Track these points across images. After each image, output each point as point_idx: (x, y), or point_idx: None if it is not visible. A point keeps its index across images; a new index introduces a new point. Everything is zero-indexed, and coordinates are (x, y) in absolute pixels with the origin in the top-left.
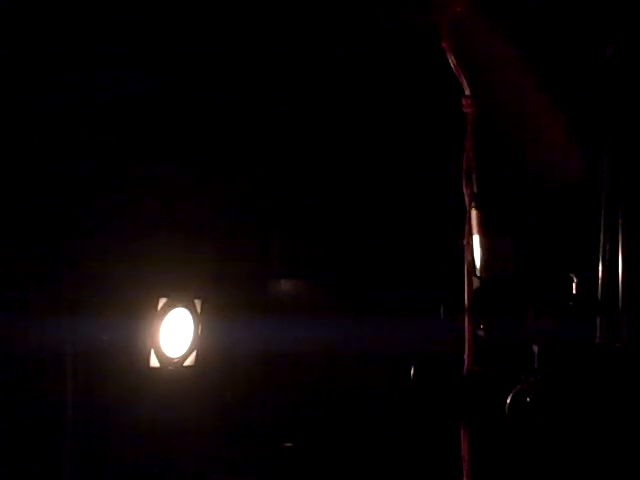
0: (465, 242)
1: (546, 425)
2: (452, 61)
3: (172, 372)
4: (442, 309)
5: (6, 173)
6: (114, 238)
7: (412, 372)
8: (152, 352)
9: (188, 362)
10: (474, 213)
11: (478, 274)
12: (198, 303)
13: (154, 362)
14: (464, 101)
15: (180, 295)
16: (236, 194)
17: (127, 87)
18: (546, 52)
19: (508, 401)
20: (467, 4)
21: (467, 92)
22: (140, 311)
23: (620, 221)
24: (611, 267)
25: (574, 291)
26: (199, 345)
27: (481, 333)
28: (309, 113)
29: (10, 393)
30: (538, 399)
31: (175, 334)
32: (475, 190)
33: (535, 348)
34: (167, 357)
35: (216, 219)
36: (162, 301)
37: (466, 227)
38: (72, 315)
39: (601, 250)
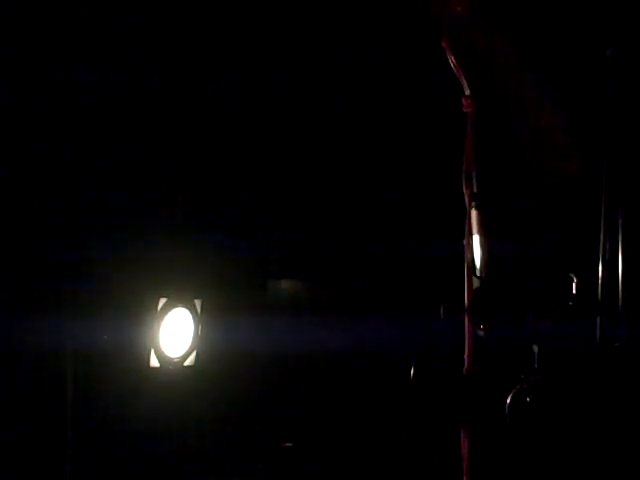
0: (465, 242)
1: (546, 425)
2: (452, 61)
3: (172, 372)
4: (442, 309)
5: (6, 174)
6: (114, 238)
7: (412, 372)
8: (152, 352)
9: (188, 362)
10: (474, 213)
11: (478, 274)
12: (198, 303)
13: (154, 362)
14: (464, 101)
15: (180, 295)
16: (237, 194)
17: (128, 89)
18: (546, 52)
19: (508, 401)
20: (467, 4)
21: (467, 92)
22: (140, 311)
23: (620, 221)
24: (611, 267)
25: (574, 291)
26: (199, 345)
27: (481, 333)
28: (309, 114)
29: (10, 393)
30: (538, 399)
31: (175, 334)
32: (475, 190)
33: (535, 348)
34: (167, 357)
35: (216, 219)
36: (162, 301)
37: (466, 227)
38: (72, 315)
39: (601, 250)
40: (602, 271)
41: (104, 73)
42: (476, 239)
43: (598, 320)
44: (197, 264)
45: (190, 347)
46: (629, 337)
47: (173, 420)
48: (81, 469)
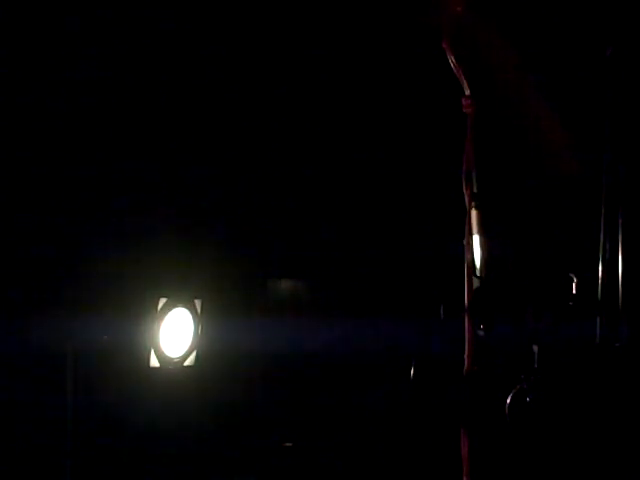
0: (465, 242)
1: (546, 425)
2: (452, 61)
3: (172, 372)
4: (442, 309)
5: (7, 174)
6: (114, 238)
7: (412, 372)
8: (152, 352)
9: (188, 362)
10: (474, 213)
11: (478, 274)
12: (198, 303)
13: (154, 362)
14: (464, 101)
15: (180, 295)
16: (236, 195)
17: (131, 90)
18: (546, 52)
19: (508, 401)
20: (467, 4)
21: (467, 92)
22: (140, 311)
23: (620, 221)
24: (611, 267)
25: (574, 291)
26: (199, 345)
27: (481, 333)
28: (309, 115)
29: (10, 393)
30: (538, 399)
31: (175, 334)
32: (475, 190)
33: (535, 348)
34: (167, 357)
35: (216, 219)
36: (162, 301)
37: (466, 227)
38: (72, 315)
39: (601, 250)
40: (602, 271)
41: (102, 73)
42: (476, 239)
43: (598, 320)
44: (197, 264)
45: (190, 347)
46: (629, 337)
47: (173, 420)
48: (81, 469)
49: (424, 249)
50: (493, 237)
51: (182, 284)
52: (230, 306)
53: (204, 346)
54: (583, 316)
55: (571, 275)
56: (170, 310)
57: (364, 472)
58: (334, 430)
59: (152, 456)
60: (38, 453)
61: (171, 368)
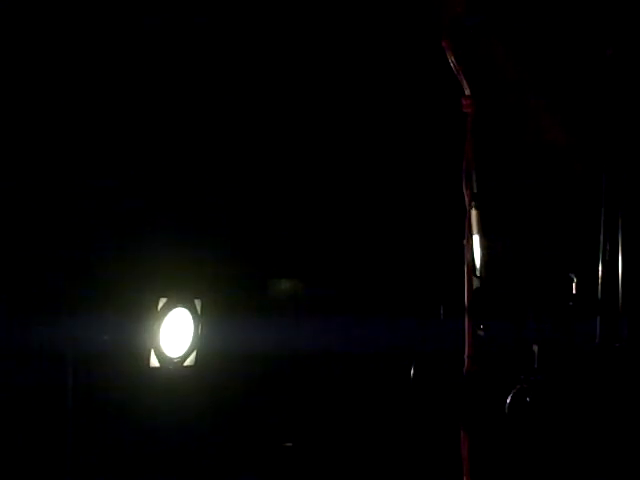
0: (465, 242)
1: (546, 425)
2: (452, 61)
3: (172, 372)
4: (442, 309)
5: (7, 174)
6: (114, 238)
7: (412, 372)
8: (152, 352)
9: (188, 362)
10: (474, 213)
11: (478, 274)
12: (198, 303)
13: (154, 362)
14: (464, 101)
15: (180, 295)
16: (236, 195)
17: (131, 93)
18: (546, 52)
19: (508, 401)
20: (467, 5)
21: (467, 92)
22: (140, 311)
23: (620, 221)
24: (611, 267)
25: (574, 291)
26: (199, 345)
27: (481, 333)
28: (309, 115)
29: (10, 393)
30: (538, 399)
31: (175, 334)
32: (475, 190)
33: (535, 348)
34: (167, 357)
35: (216, 219)
36: (162, 301)
37: (466, 227)
38: (72, 315)
39: (601, 250)
40: (602, 271)
41: (107, 74)
42: (476, 239)
43: (598, 320)
44: (197, 264)
45: (190, 347)
46: (629, 337)
47: (173, 420)
48: (81, 468)
49: (424, 249)
50: (493, 237)
51: (182, 284)
52: (230, 306)
53: (204, 346)
54: (583, 316)
55: (571, 275)
56: (170, 310)
57: (364, 472)
58: (334, 430)
59: (152, 456)
60: (38, 453)
61: (171, 368)
